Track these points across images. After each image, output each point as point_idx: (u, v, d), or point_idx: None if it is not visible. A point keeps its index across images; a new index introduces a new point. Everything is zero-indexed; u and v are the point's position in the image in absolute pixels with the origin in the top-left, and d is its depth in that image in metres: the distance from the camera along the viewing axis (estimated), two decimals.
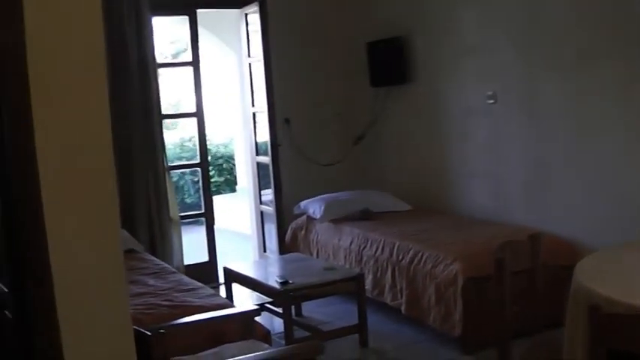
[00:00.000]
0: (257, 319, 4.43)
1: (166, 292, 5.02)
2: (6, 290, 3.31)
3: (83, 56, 2.98)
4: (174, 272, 5.75)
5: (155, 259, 6.34)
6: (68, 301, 3.00)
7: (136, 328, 3.16)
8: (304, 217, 7.67)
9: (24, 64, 2.85)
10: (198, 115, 7.83)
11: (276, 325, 5.94)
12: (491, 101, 6.61)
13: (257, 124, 8.30)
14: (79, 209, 3.00)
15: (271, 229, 8.14)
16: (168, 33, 12.75)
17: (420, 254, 5.88)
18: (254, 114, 8.29)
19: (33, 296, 2.98)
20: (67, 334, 3.00)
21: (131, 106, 7.01)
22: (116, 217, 3.05)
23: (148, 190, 7.15)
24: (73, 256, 3.00)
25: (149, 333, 3.12)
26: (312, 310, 6.59)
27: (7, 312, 3.40)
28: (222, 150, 14.08)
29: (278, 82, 7.86)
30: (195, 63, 7.79)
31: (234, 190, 13.52)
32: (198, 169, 8.17)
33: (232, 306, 4.79)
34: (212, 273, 7.80)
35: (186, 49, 14.05)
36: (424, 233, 6.33)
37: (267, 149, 7.97)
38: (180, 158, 12.62)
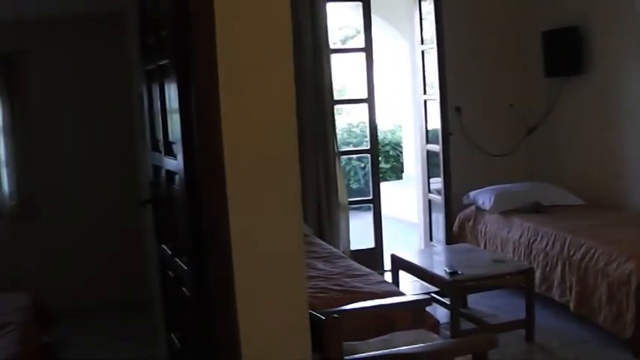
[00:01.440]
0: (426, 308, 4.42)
1: (336, 276, 5.08)
2: (185, 268, 3.45)
3: (271, 39, 3.03)
4: (342, 257, 5.81)
5: (324, 243, 6.42)
6: (247, 282, 3.09)
7: (311, 312, 3.20)
8: (473, 207, 7.58)
9: (213, 46, 2.95)
10: (369, 101, 7.86)
11: (440, 315, 5.89)
12: None
13: (428, 112, 8.24)
14: (262, 192, 3.07)
15: (439, 218, 8.07)
16: (336, 19, 12.83)
17: (592, 250, 5.69)
18: (425, 101, 8.23)
19: (213, 276, 3.08)
20: (244, 314, 3.09)
21: (304, 91, 7.11)
22: (298, 201, 3.09)
23: (318, 174, 7.26)
24: (254, 238, 3.08)
25: (323, 317, 3.15)
26: (477, 302, 6.51)
27: (184, 289, 3.55)
28: (389, 137, 14.08)
29: (450, 69, 7.76)
30: (367, 49, 7.82)
31: (400, 178, 13.50)
32: (368, 155, 8.18)
33: (402, 294, 4.79)
34: (377, 260, 7.83)
35: (354, 36, 14.10)
36: (597, 229, 6.10)
37: (437, 137, 7.89)
38: (347, 144, 12.70)
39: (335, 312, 3.56)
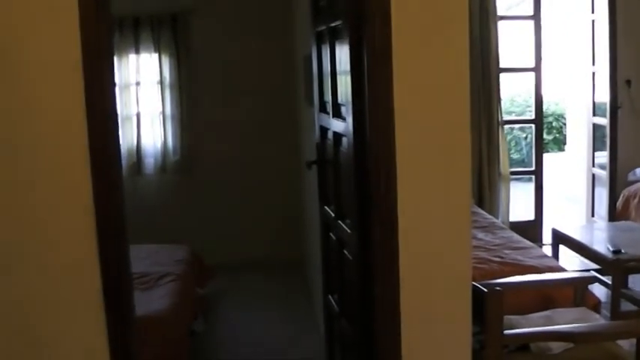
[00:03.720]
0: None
1: (496, 247, 4.99)
2: (349, 231, 3.46)
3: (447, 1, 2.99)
4: (503, 228, 5.71)
5: (484, 212, 6.33)
6: (411, 248, 3.07)
7: (475, 284, 3.15)
8: (638, 184, 7.28)
9: (388, 7, 2.92)
10: (536, 70, 7.64)
11: (598, 294, 5.70)
12: None
13: (595, 84, 7.93)
14: (432, 159, 3.03)
15: (602, 194, 7.79)
16: None
17: None
18: (593, 73, 7.92)
19: (377, 241, 3.08)
20: (406, 279, 3.08)
21: (470, 58, 6.93)
22: (467, 171, 3.04)
23: (480, 143, 7.14)
24: (420, 205, 3.05)
25: (485, 290, 3.10)
26: (637, 282, 6.26)
27: (346, 252, 3.57)
28: (552, 107, 13.67)
29: (621, 40, 7.43)
30: (536, 16, 7.59)
31: (562, 150, 13.11)
32: (532, 125, 7.97)
33: (564, 270, 4.66)
34: (536, 232, 7.65)
35: (519, 3, 13.66)
36: None
37: (604, 110, 7.59)
38: (509, 113, 12.42)
39: (496, 285, 3.48)
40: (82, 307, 2.98)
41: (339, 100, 3.49)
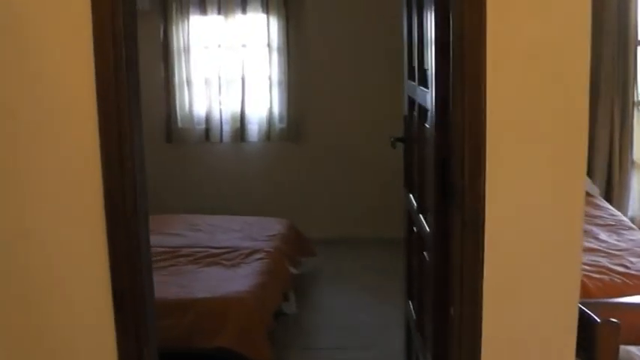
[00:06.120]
0: None
1: (621, 253, 4.17)
2: (427, 230, 2.78)
3: None
4: (632, 228, 4.82)
5: (610, 207, 5.47)
6: (500, 258, 2.40)
7: (581, 306, 2.43)
8: None
9: None
10: None
11: None
12: None
13: None
14: (532, 144, 2.36)
15: None
16: None
17: None
18: None
19: (458, 245, 2.41)
20: (491, 297, 2.41)
21: (604, 30, 6.24)
22: (582, 153, 2.35)
23: (612, 125, 6.34)
24: (516, 200, 2.38)
25: (598, 320, 2.37)
26: None
27: (425, 253, 2.90)
28: None
29: None
30: None
31: None
32: None
33: None
34: None
35: None
36: None
37: None
38: None
39: (613, 306, 2.74)
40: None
41: (425, 65, 2.82)
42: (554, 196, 2.37)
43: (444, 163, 2.46)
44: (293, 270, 5.52)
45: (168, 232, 5.69)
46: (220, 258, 5.07)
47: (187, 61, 7.04)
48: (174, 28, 6.95)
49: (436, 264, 2.58)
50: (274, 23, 6.94)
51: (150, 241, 2.59)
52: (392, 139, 3.62)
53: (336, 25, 6.88)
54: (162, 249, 5.22)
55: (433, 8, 2.46)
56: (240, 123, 7.11)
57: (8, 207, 2.43)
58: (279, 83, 7.04)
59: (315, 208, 7.05)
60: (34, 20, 2.33)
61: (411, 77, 3.30)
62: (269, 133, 7.13)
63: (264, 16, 6.94)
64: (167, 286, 4.53)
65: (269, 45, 6.99)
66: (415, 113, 3.17)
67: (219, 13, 6.95)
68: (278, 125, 7.12)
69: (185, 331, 4.25)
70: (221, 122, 7.09)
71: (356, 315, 5.28)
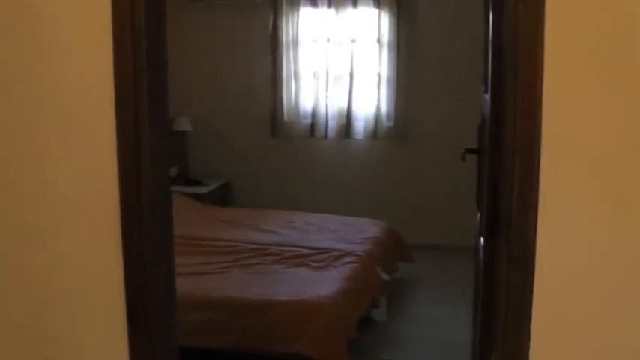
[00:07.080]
0: None
1: None
2: (481, 255, 2.52)
3: None
4: None
5: None
6: (552, 292, 2.10)
7: None
8: None
9: None
10: None
11: None
12: None
13: None
14: (592, 166, 2.06)
15: None
16: None
17: None
18: None
19: (502, 278, 2.11)
20: (538, 346, 2.14)
21: None
22: None
23: None
24: (566, 228, 2.08)
25: None
26: None
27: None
28: None
29: None
30: None
31: None
32: None
33: None
34: None
35: None
36: None
37: None
38: None
39: None
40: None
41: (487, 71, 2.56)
42: (614, 232, 2.05)
43: (495, 186, 2.20)
44: (385, 276, 5.22)
45: (263, 229, 5.61)
46: (308, 259, 4.92)
47: (295, 54, 6.91)
48: (283, 20, 6.83)
49: (483, 304, 2.31)
50: (385, 18, 6.71)
51: (172, 245, 2.41)
52: (462, 151, 3.27)
53: (448, 22, 6.59)
54: (252, 245, 5.16)
55: (491, 6, 2.21)
56: (347, 119, 6.92)
57: (22, 211, 2.35)
58: (388, 80, 6.80)
59: (419, 211, 6.77)
60: (55, 20, 2.25)
61: (485, 82, 3.05)
62: (375, 131, 6.90)
63: (376, 10, 6.73)
64: (249, 285, 4.45)
65: (379, 41, 6.77)
66: (484, 123, 2.92)
67: (329, 6, 6.78)
68: (385, 123, 6.87)
69: (262, 333, 4.12)
70: (327, 118, 6.92)
71: (453, 329, 4.81)
